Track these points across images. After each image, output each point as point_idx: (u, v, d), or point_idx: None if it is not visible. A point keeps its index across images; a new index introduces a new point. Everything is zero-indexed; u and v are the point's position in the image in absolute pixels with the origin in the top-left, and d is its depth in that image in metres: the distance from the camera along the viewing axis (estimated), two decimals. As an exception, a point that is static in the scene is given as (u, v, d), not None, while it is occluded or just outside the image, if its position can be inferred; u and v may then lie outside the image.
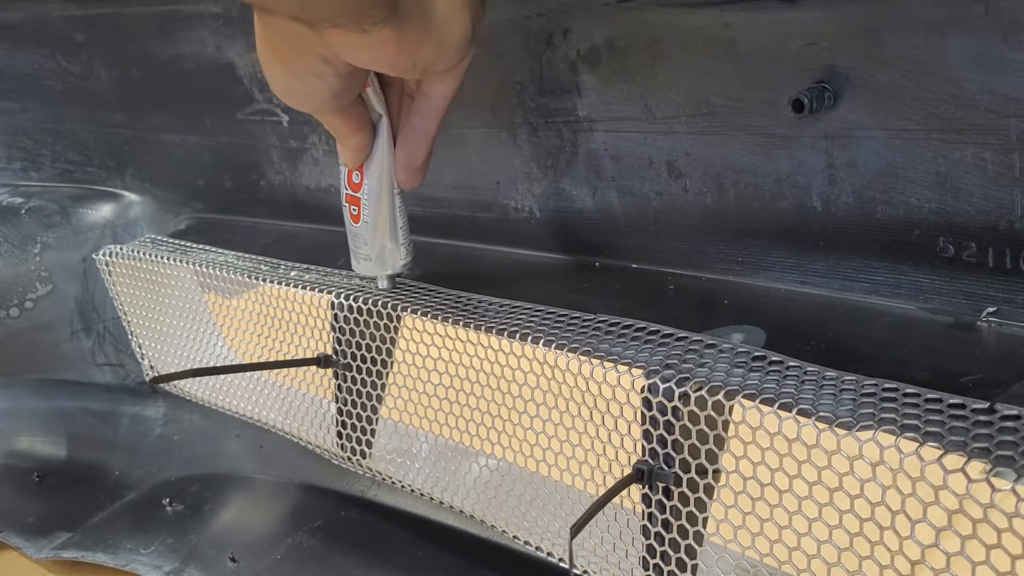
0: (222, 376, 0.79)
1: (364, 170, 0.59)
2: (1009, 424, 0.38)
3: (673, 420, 0.47)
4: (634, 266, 0.66)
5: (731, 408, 0.45)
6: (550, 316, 0.57)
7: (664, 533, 0.49)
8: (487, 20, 0.52)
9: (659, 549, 0.49)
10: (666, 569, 0.49)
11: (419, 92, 0.56)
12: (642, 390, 0.48)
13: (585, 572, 0.54)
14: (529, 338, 0.54)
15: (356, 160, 0.59)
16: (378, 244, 0.62)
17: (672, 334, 0.52)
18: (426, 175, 0.59)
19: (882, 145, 0.51)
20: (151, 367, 0.88)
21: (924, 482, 0.39)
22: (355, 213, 0.61)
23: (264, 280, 0.73)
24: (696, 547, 0.48)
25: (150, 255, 0.84)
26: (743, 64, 0.54)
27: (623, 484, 0.48)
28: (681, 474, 0.47)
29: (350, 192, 0.61)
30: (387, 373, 0.66)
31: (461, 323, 0.58)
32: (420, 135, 0.57)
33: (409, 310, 0.61)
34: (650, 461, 0.49)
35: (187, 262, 0.81)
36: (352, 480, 0.81)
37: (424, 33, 0.47)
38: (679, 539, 0.48)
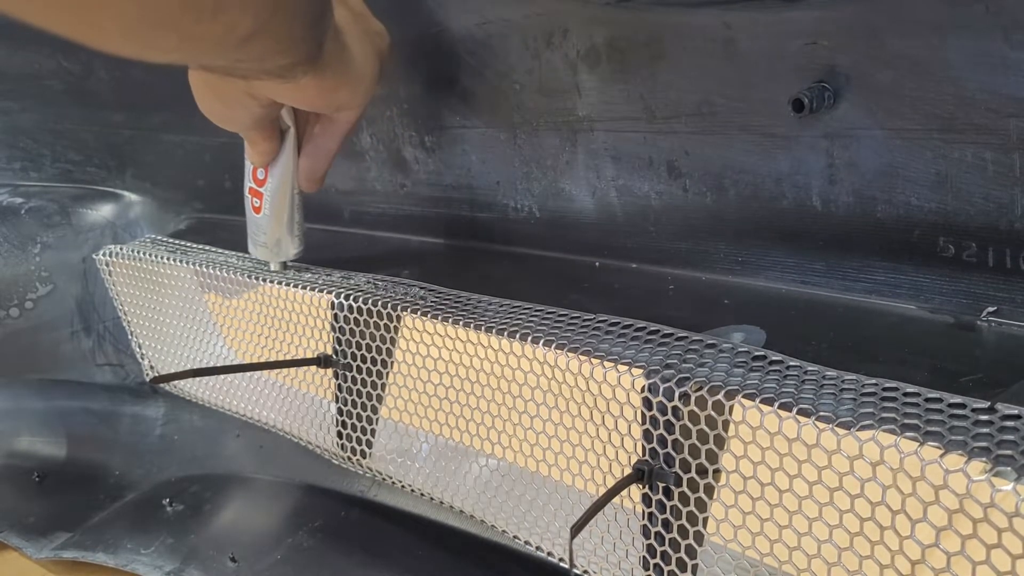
0: (222, 376, 0.79)
1: (269, 169, 0.67)
2: (1009, 424, 0.38)
3: (673, 420, 0.47)
4: (634, 266, 0.66)
5: (731, 408, 0.45)
6: (550, 316, 0.57)
7: (664, 533, 0.49)
8: (390, 64, 0.62)
9: (659, 549, 0.49)
10: (666, 569, 0.49)
11: (324, 116, 0.64)
12: (642, 390, 0.48)
13: (585, 572, 0.54)
14: (529, 338, 0.54)
15: (263, 162, 0.67)
16: (275, 235, 0.70)
17: (672, 334, 0.52)
18: (324, 183, 0.68)
19: (882, 145, 0.51)
20: (151, 367, 0.88)
21: (924, 482, 0.39)
22: (256, 205, 0.69)
23: (264, 280, 0.73)
24: (696, 547, 0.48)
25: (150, 255, 0.84)
26: (743, 64, 0.54)
27: (623, 484, 0.48)
28: (681, 474, 0.47)
29: (254, 186, 0.68)
30: (387, 373, 0.66)
31: (461, 323, 0.58)
32: (322, 151, 0.66)
33: (409, 310, 0.61)
34: (650, 461, 0.49)
35: (187, 262, 0.81)
36: (352, 480, 0.81)
37: (341, 80, 0.56)
38: (679, 539, 0.48)
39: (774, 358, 0.47)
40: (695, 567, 0.48)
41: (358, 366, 0.66)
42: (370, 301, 0.64)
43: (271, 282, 0.72)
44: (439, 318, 0.59)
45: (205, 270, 0.78)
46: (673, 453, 0.47)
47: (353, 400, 0.67)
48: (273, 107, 0.59)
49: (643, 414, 0.48)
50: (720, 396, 0.45)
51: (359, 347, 0.66)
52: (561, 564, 0.57)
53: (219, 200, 0.96)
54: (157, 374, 0.86)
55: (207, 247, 0.84)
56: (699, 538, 0.48)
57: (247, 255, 0.79)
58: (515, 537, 0.60)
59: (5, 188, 1.05)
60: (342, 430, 0.69)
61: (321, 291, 0.68)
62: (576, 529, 0.46)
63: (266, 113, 0.60)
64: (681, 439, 0.47)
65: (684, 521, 0.48)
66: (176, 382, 0.83)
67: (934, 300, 0.52)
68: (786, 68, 0.52)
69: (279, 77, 0.51)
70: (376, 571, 0.74)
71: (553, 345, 0.53)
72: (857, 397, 0.43)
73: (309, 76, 0.53)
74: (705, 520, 0.47)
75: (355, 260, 0.74)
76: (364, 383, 0.66)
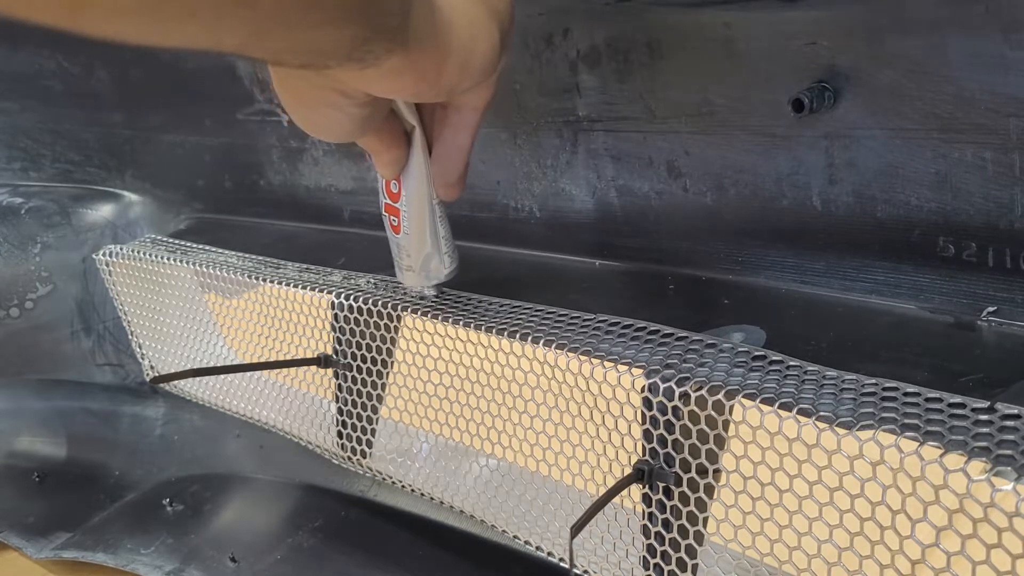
0: (222, 376, 0.79)
1: (401, 180, 0.57)
2: (1009, 423, 0.38)
3: (673, 420, 0.47)
4: (634, 266, 0.66)
5: (731, 408, 0.45)
6: (550, 316, 0.57)
7: (664, 533, 0.49)
8: (514, 26, 0.49)
9: (659, 549, 0.49)
10: (666, 569, 0.49)
11: (451, 105, 0.53)
12: (642, 390, 0.48)
13: (585, 572, 0.54)
14: (529, 338, 0.54)
15: (393, 172, 0.57)
16: (421, 254, 0.60)
17: (672, 334, 0.52)
18: (465, 186, 0.57)
19: (882, 145, 0.51)
20: (151, 367, 0.88)
21: (924, 481, 0.39)
22: (395, 224, 0.59)
23: (264, 280, 0.73)
24: (696, 547, 0.48)
25: (150, 255, 0.84)
26: (743, 64, 0.54)
27: (623, 484, 0.48)
28: (681, 474, 0.47)
29: (389, 202, 0.59)
30: (387, 373, 0.66)
31: (461, 323, 0.58)
32: (454, 149, 0.55)
33: (409, 310, 0.61)
34: (650, 461, 0.49)
35: (187, 262, 0.81)
36: (352, 480, 0.81)
37: (442, 58, 0.44)
38: (679, 539, 0.48)
39: (774, 358, 0.47)
40: (695, 567, 0.48)
41: (358, 366, 0.66)
42: (370, 301, 0.64)
43: (271, 282, 0.72)
44: (439, 318, 0.59)
45: (205, 270, 0.79)
46: (673, 453, 0.48)
47: (353, 400, 0.67)
48: (375, 104, 0.47)
49: (643, 414, 0.48)
50: (720, 396, 0.45)
51: (359, 347, 0.66)
52: (561, 564, 0.57)
53: (219, 200, 0.96)
54: (157, 374, 0.86)
55: (207, 247, 0.84)
56: (699, 538, 0.48)
57: (247, 255, 0.79)
58: (515, 537, 0.60)
59: (5, 188, 1.05)
60: (342, 430, 0.69)
61: (321, 291, 0.68)
62: (576, 529, 0.46)
63: (369, 113, 0.48)
64: (681, 439, 0.47)
65: (684, 521, 0.48)
66: (176, 382, 0.83)
67: (934, 300, 0.52)
68: (786, 68, 0.52)
69: (358, 61, 0.40)
70: (376, 571, 0.74)
71: (553, 345, 0.53)
72: (857, 397, 0.43)
73: (397, 56, 0.41)
74: (705, 520, 0.47)
75: (355, 260, 0.74)
76: (364, 383, 0.66)
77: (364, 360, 0.66)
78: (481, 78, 0.47)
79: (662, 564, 0.49)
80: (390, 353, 0.64)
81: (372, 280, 0.69)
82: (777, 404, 0.43)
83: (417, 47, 0.42)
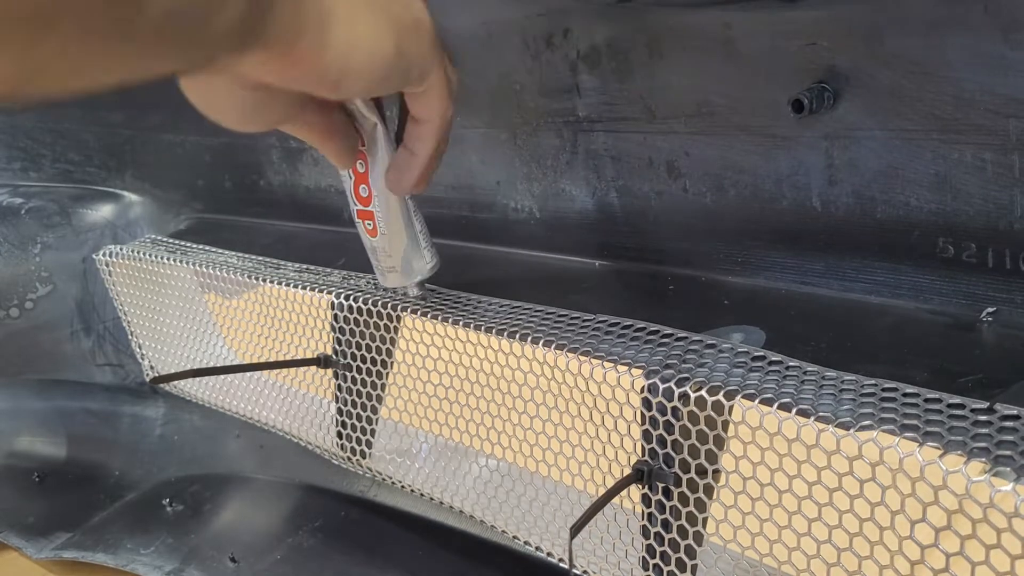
0: (222, 376, 0.79)
1: (370, 182, 0.57)
2: (1009, 424, 0.38)
3: (673, 420, 0.47)
4: (634, 266, 0.66)
5: (731, 408, 0.45)
6: (550, 316, 0.57)
7: (664, 533, 0.49)
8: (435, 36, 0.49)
9: (659, 549, 0.49)
10: (666, 569, 0.49)
11: (411, 116, 0.54)
12: (642, 390, 0.48)
13: (585, 572, 0.54)
14: (529, 338, 0.54)
15: (344, 163, 0.57)
16: (402, 253, 0.60)
17: (672, 334, 0.52)
18: (427, 184, 0.57)
19: (882, 145, 0.51)
20: (151, 367, 0.88)
21: (924, 482, 0.39)
22: (371, 227, 0.59)
23: (264, 280, 0.73)
24: (696, 547, 0.48)
25: (150, 255, 0.84)
26: (743, 64, 0.54)
27: (623, 484, 0.48)
28: (681, 474, 0.47)
29: (360, 207, 0.59)
30: (387, 373, 0.66)
31: (461, 323, 0.58)
32: (408, 157, 0.55)
33: (409, 310, 0.61)
34: (650, 461, 0.49)
35: (187, 262, 0.81)
36: (352, 480, 0.81)
37: (315, 52, 0.43)
38: (679, 539, 0.48)
39: (774, 358, 0.47)
40: (695, 567, 0.48)
41: (358, 366, 0.66)
42: (370, 301, 0.64)
43: (271, 282, 0.72)
44: (439, 318, 0.59)
45: (205, 270, 0.79)
46: (672, 453, 0.48)
47: (353, 400, 0.67)
48: (269, 91, 0.47)
49: (643, 414, 0.48)
50: (720, 396, 0.45)
51: (359, 347, 0.66)
52: (561, 564, 0.57)
53: (219, 200, 0.96)
54: (157, 374, 0.86)
55: (207, 247, 0.84)
56: (699, 538, 0.48)
57: (247, 255, 0.78)
58: (515, 537, 0.60)
59: (5, 188, 1.05)
60: (342, 430, 0.69)
61: (321, 291, 0.68)
62: (576, 529, 0.46)
63: (263, 99, 0.48)
64: (681, 439, 0.47)
65: (683, 521, 0.48)
66: (176, 382, 0.83)
67: (934, 300, 0.52)
68: (786, 68, 0.52)
69: (226, 50, 0.39)
70: (376, 571, 0.74)
71: (553, 345, 0.53)
72: (856, 397, 0.43)
73: (260, 43, 0.40)
74: (705, 520, 0.47)
75: (355, 260, 0.74)
76: (364, 383, 0.66)
77: (364, 360, 0.66)
78: (379, 81, 0.47)
79: (661, 564, 0.49)
80: (390, 353, 0.64)
81: (372, 280, 0.69)
82: (776, 404, 0.43)
83: (278, 41, 0.41)
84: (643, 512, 0.50)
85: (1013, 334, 0.49)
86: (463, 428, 0.60)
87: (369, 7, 0.45)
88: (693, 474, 0.47)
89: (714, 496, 0.47)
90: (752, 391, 0.44)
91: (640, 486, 0.49)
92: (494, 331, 0.56)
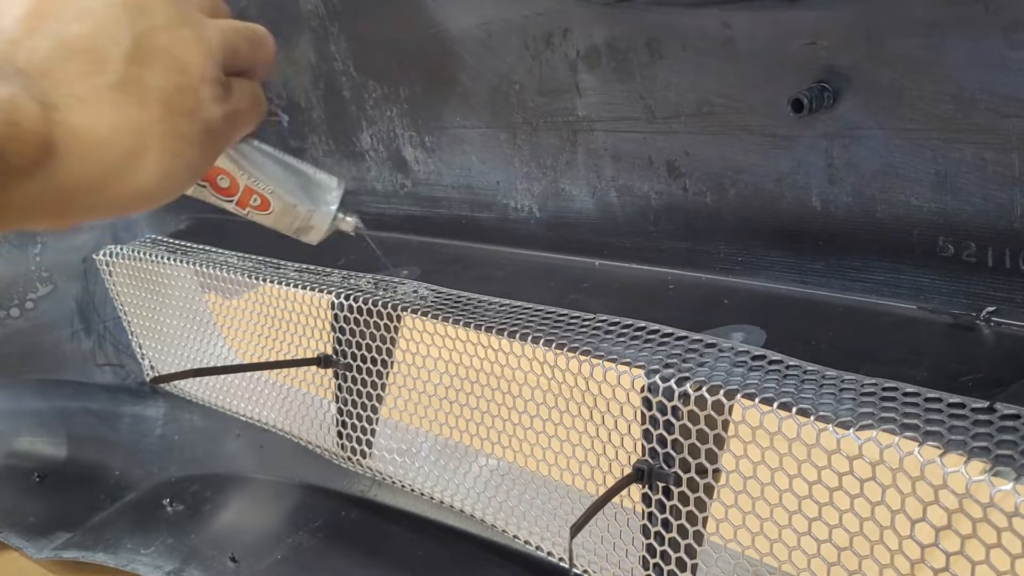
0: (222, 376, 0.79)
1: (224, 166, 0.50)
2: (1009, 423, 0.38)
3: (673, 420, 0.47)
4: (634, 266, 0.66)
5: (731, 408, 0.45)
6: (550, 316, 0.57)
7: (664, 532, 0.49)
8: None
9: (659, 548, 0.49)
10: (666, 568, 0.49)
11: None
12: (642, 390, 0.48)
13: (585, 572, 0.54)
14: (529, 338, 0.54)
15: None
16: (304, 193, 0.52)
17: (672, 334, 0.52)
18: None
19: (882, 145, 0.51)
20: (151, 367, 0.88)
21: (924, 481, 0.39)
22: (258, 203, 0.52)
23: (264, 280, 0.73)
24: (696, 546, 0.48)
25: (150, 255, 0.84)
26: (743, 64, 0.54)
27: (623, 484, 0.48)
28: (681, 474, 0.47)
29: (230, 198, 0.52)
30: (387, 373, 0.66)
31: (461, 323, 0.58)
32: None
33: (409, 310, 0.61)
34: (650, 461, 0.49)
35: (187, 262, 0.81)
36: (352, 480, 0.81)
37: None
38: (679, 538, 0.48)
39: (774, 358, 0.47)
40: (695, 567, 0.48)
41: (358, 366, 0.66)
42: (370, 301, 0.64)
43: (271, 282, 0.72)
44: (439, 318, 0.59)
45: (205, 270, 0.79)
46: (673, 453, 0.48)
47: (353, 400, 0.67)
48: None
49: (643, 414, 0.48)
50: (720, 396, 0.45)
51: (359, 347, 0.66)
52: (561, 564, 0.57)
53: (219, 200, 0.96)
54: (157, 374, 0.86)
55: (207, 247, 0.84)
56: (699, 538, 0.48)
57: (247, 255, 0.78)
58: (515, 537, 0.60)
59: (5, 188, 1.05)
60: (342, 430, 0.69)
61: (321, 291, 0.68)
62: (576, 529, 0.46)
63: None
64: (681, 439, 0.47)
65: (684, 521, 0.48)
66: (176, 382, 0.83)
67: (934, 300, 0.52)
68: (786, 68, 0.52)
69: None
70: (376, 571, 0.74)
71: (553, 345, 0.53)
72: (857, 397, 0.43)
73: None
74: (705, 520, 0.47)
75: (355, 260, 0.74)
76: (364, 383, 0.66)
77: (364, 360, 0.66)
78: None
79: (662, 564, 0.49)
80: (390, 353, 0.64)
81: (372, 280, 0.69)
82: (776, 404, 0.43)
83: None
84: (643, 511, 0.50)
85: (1013, 334, 0.49)
86: (463, 428, 0.60)
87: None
88: (693, 473, 0.47)
89: (714, 495, 0.47)
90: (752, 390, 0.44)
91: (640, 485, 0.49)
92: (494, 331, 0.56)
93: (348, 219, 0.55)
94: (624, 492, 0.49)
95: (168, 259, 0.82)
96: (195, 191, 0.51)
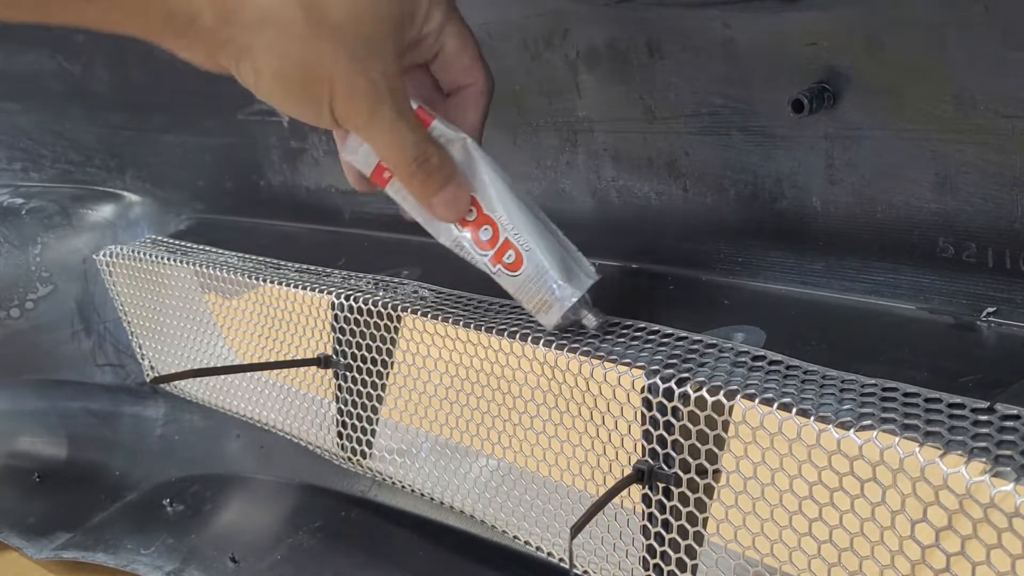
0: (222, 376, 0.79)
1: (481, 205, 0.49)
2: (1009, 424, 0.38)
3: (673, 420, 0.47)
4: (634, 266, 0.66)
5: (731, 408, 0.45)
6: (550, 316, 0.57)
7: (664, 533, 0.49)
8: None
9: (659, 549, 0.49)
10: (666, 569, 0.49)
11: (440, 84, 0.50)
12: (642, 390, 0.48)
13: (585, 572, 0.54)
14: (529, 338, 0.54)
15: (456, 211, 0.49)
16: (562, 264, 0.50)
17: (672, 334, 0.52)
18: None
19: (882, 145, 0.51)
20: (151, 367, 0.88)
21: (924, 482, 0.39)
22: (511, 260, 0.49)
23: (264, 280, 0.73)
24: (696, 547, 0.48)
25: (150, 255, 0.84)
26: (743, 64, 0.54)
27: (623, 484, 0.48)
28: (681, 474, 0.47)
29: (489, 252, 0.49)
30: (387, 373, 0.66)
31: (461, 323, 0.58)
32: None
33: (409, 310, 0.61)
34: (650, 461, 0.49)
35: (187, 262, 0.81)
36: (352, 480, 0.81)
37: (218, 45, 0.45)
38: (679, 539, 0.48)
39: (774, 358, 0.47)
40: (695, 567, 0.48)
41: (358, 366, 0.66)
42: (370, 301, 0.64)
43: (271, 282, 0.72)
44: (439, 318, 0.59)
45: (205, 270, 0.79)
46: (673, 453, 0.48)
47: (353, 400, 0.67)
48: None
49: (643, 414, 0.48)
50: (720, 396, 0.45)
51: (359, 347, 0.66)
52: (561, 564, 0.57)
53: (219, 200, 0.96)
54: (157, 374, 0.86)
55: (207, 247, 0.84)
56: (699, 538, 0.48)
57: (247, 255, 0.78)
58: (515, 537, 0.60)
59: (6, 188, 1.05)
60: (342, 430, 0.69)
61: (321, 291, 0.68)
62: (576, 529, 0.46)
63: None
64: (681, 439, 0.47)
65: (684, 521, 0.48)
66: (176, 382, 0.83)
67: (934, 300, 0.52)
68: (786, 68, 0.52)
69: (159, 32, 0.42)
70: (376, 571, 0.74)
71: (553, 345, 0.53)
72: (857, 397, 0.43)
73: (185, 37, 0.43)
74: (705, 520, 0.47)
75: (355, 261, 0.74)
76: (364, 383, 0.66)
77: (364, 360, 0.66)
78: (281, 95, 0.47)
79: (662, 564, 0.49)
80: (390, 353, 0.64)
81: (372, 280, 0.69)
82: (777, 404, 0.43)
83: (194, 30, 0.43)
84: (643, 512, 0.50)
85: (1013, 334, 0.49)
86: (463, 428, 0.60)
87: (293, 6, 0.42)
88: (694, 474, 0.47)
89: (715, 496, 0.47)
90: (752, 391, 0.44)
91: (640, 486, 0.49)
92: (494, 331, 0.56)
93: (591, 316, 0.52)
94: (624, 493, 0.49)
95: (168, 259, 0.82)
96: (454, 243, 0.51)
